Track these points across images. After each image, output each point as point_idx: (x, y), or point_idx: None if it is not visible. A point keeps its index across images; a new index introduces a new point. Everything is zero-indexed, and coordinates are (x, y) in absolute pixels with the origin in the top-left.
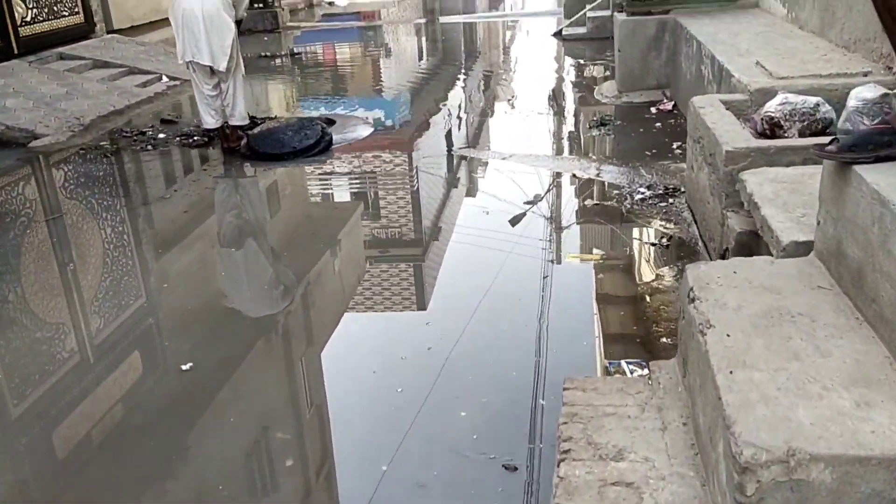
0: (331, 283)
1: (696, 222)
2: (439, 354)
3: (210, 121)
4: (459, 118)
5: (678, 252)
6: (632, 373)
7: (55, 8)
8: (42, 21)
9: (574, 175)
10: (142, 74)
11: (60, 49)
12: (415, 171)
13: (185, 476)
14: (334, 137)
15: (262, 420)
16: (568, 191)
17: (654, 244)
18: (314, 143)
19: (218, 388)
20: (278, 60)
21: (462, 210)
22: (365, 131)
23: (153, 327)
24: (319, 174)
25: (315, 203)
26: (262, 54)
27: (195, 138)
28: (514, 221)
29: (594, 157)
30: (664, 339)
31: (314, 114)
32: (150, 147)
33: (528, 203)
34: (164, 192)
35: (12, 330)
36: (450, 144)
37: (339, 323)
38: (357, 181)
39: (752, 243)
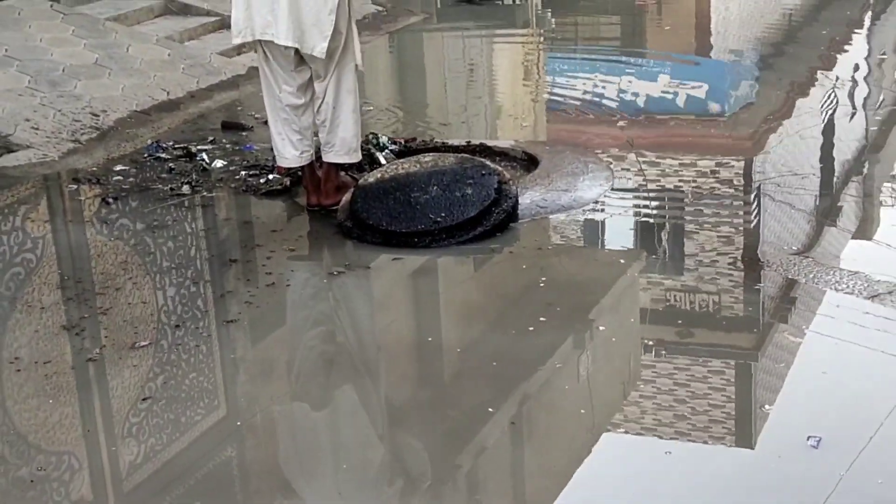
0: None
1: None
2: None
3: (290, 153)
4: (854, 109)
5: None
6: None
7: None
8: None
9: None
10: None
11: None
12: (754, 195)
13: None
14: (525, 200)
15: None
16: None
17: None
18: (477, 216)
19: None
20: None
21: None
22: (594, 190)
23: None
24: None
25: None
26: None
27: (271, 177)
28: None
29: None
30: None
31: (573, 93)
32: (185, 187)
33: None
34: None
35: None
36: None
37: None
38: (641, 204)
39: None
